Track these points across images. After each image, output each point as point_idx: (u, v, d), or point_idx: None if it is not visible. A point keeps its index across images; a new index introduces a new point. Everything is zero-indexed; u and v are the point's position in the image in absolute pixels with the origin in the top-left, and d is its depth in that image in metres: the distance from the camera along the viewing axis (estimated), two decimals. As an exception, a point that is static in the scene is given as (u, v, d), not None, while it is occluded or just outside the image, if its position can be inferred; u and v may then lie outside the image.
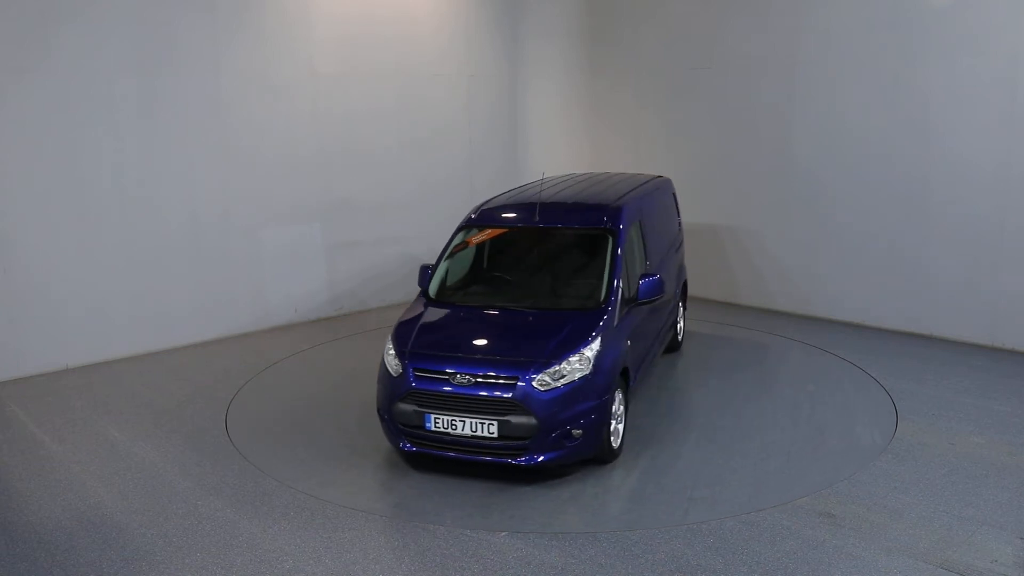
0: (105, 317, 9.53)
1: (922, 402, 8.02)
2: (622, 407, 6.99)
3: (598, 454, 6.68)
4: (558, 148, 13.63)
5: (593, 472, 6.69)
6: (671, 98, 12.44)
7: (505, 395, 6.28)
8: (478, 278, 7.90)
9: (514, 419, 6.27)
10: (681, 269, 9.83)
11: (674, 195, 9.95)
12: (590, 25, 13.46)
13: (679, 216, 10.09)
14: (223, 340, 10.40)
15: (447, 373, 6.45)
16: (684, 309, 10.09)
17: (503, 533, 5.79)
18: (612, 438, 6.75)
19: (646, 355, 7.91)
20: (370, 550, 5.62)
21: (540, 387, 6.29)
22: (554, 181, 9.24)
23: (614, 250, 7.31)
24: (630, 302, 7.29)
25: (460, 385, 6.38)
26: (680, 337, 9.86)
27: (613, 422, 6.72)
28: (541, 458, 6.33)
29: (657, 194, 9.10)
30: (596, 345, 6.58)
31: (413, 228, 11.89)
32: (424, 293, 7.62)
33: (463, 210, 10.77)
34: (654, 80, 12.62)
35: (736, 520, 5.91)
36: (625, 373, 7.06)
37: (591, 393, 6.43)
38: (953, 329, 9.91)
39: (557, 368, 6.36)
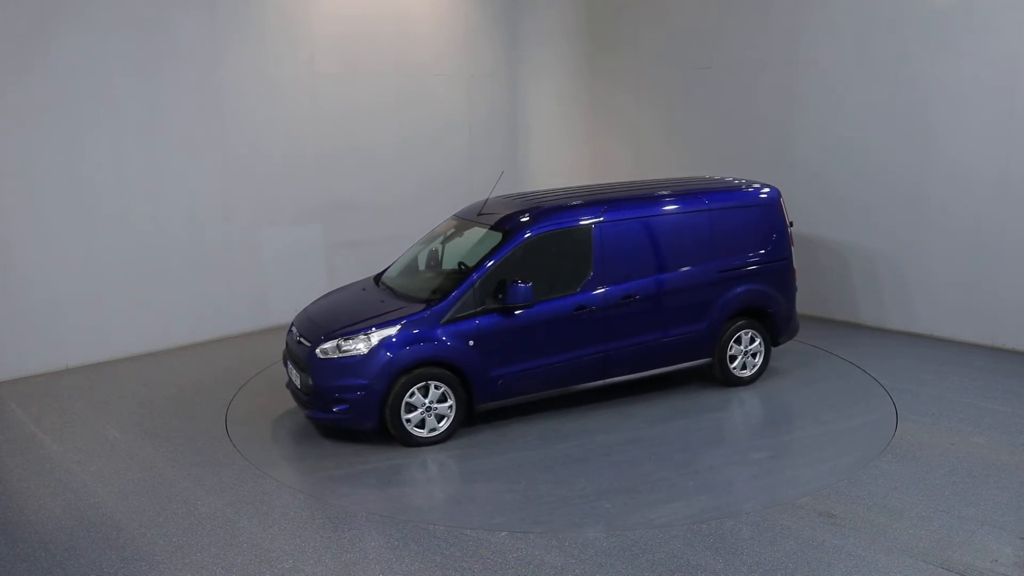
0: (105, 317, 9.53)
1: (922, 402, 8.02)
2: (450, 401, 7.27)
3: (396, 434, 7.15)
4: (558, 148, 13.62)
5: (394, 453, 7.11)
6: (671, 98, 12.43)
7: (301, 355, 7.36)
8: (411, 266, 8.43)
9: (304, 376, 7.32)
10: (747, 293, 8.41)
11: (764, 208, 8.60)
12: (590, 25, 13.45)
13: (776, 233, 8.63)
14: (223, 340, 10.40)
15: (294, 332, 7.76)
16: (763, 343, 8.58)
17: (503, 533, 5.79)
18: (409, 425, 7.14)
19: (550, 364, 7.59)
20: (370, 550, 5.62)
21: (320, 354, 7.16)
22: (603, 185, 9.28)
23: (492, 252, 7.51)
24: (495, 305, 7.34)
25: (295, 342, 7.60)
26: (749, 373, 8.55)
27: (419, 410, 7.17)
28: (313, 415, 7.30)
29: (694, 204, 8.26)
30: (386, 332, 7.15)
31: (413, 228, 11.86)
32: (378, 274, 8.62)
33: (463, 210, 10.79)
34: (654, 80, 12.61)
35: (736, 520, 5.91)
36: (460, 372, 7.25)
37: (364, 372, 7.05)
38: (953, 329, 9.91)
39: (341, 343, 7.16)
